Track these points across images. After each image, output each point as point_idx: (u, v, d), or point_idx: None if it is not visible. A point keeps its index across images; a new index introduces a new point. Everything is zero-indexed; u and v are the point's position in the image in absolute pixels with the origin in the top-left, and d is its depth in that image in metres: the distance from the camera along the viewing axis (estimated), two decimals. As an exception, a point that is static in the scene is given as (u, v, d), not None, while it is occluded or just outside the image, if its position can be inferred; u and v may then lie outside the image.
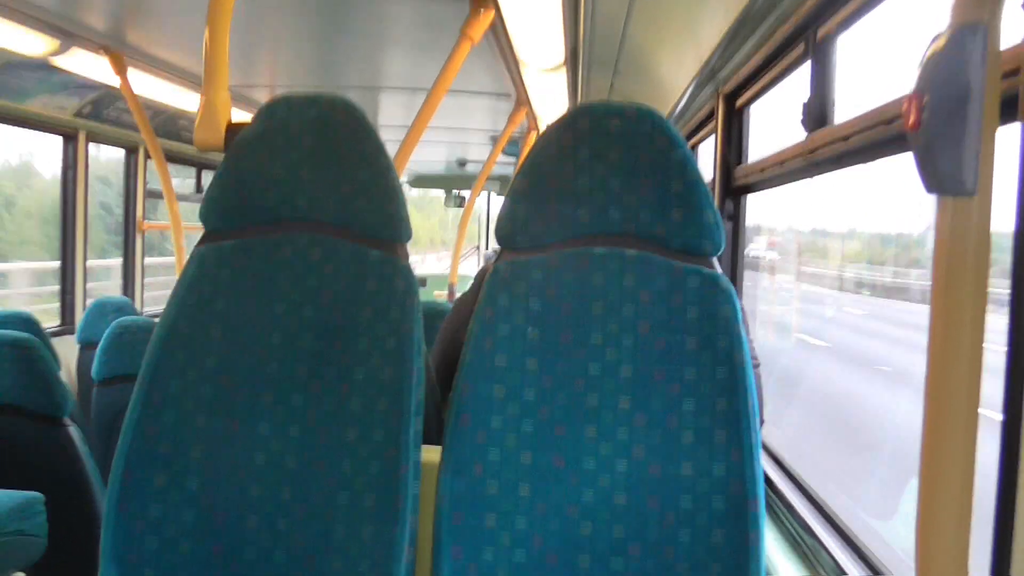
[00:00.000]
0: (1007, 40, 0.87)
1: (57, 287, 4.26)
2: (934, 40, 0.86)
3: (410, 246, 1.57)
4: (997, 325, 0.95)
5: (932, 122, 0.81)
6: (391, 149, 2.31)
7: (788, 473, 2.25)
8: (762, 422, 1.89)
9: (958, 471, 0.85)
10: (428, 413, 2.00)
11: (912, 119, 0.83)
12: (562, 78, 3.81)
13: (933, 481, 0.86)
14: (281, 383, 1.50)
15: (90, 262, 4.34)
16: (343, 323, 1.51)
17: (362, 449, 1.45)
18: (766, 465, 2.27)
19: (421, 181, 8.71)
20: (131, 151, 4.65)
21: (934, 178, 0.82)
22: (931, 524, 0.87)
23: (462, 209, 6.82)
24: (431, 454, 1.52)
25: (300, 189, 1.55)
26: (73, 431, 2.18)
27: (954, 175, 0.80)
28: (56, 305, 4.28)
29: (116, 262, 5.07)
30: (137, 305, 4.61)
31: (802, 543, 1.90)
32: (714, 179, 2.81)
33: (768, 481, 2.16)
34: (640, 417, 1.44)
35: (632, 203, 1.47)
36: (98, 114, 4.08)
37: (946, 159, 0.80)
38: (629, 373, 1.45)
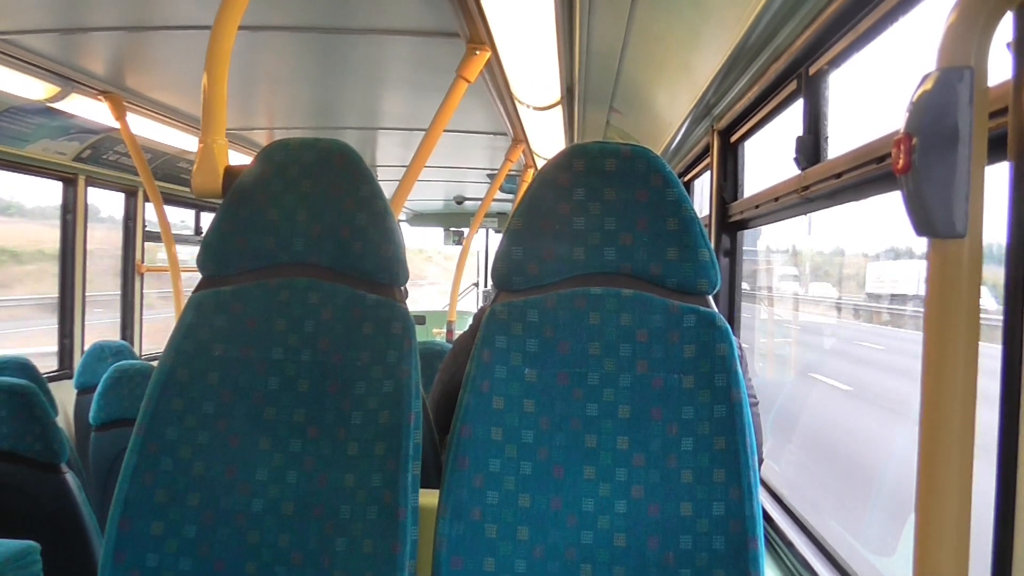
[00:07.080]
0: (994, 78, 0.87)
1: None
2: (922, 81, 0.86)
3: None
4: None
5: (921, 165, 0.81)
6: (389, 189, 2.32)
7: (788, 510, 2.23)
8: (761, 460, 1.87)
9: (954, 509, 0.85)
10: (426, 456, 1.99)
11: (901, 162, 0.83)
12: (559, 115, 3.83)
13: (929, 520, 0.86)
14: (279, 428, 1.49)
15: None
16: (341, 367, 1.50)
17: (360, 494, 1.44)
18: (766, 503, 2.25)
19: (419, 219, 8.74)
20: (130, 194, 4.67)
21: (924, 221, 0.82)
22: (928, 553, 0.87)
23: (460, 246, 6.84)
24: (429, 498, 1.51)
25: (297, 233, 1.55)
26: (70, 478, 2.16)
27: (944, 217, 0.80)
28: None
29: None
30: (136, 349, 4.58)
31: None
32: (710, 215, 2.82)
33: (768, 519, 2.14)
34: (639, 457, 1.43)
35: (628, 242, 1.48)
36: (97, 158, 4.10)
37: (936, 202, 0.80)
38: (627, 413, 1.44)
